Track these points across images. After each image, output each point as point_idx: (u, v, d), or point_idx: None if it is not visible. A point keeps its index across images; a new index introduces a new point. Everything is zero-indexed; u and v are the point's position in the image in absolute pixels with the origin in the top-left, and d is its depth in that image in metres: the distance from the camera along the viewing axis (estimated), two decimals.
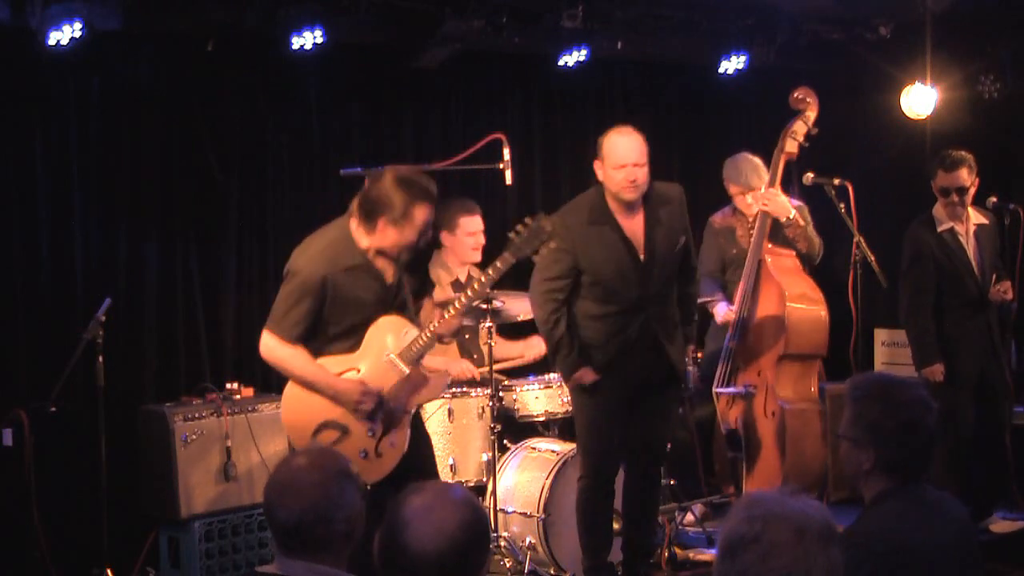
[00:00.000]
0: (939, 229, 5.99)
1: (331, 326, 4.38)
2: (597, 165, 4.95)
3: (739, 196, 6.13)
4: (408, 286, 4.55)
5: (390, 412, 4.35)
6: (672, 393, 5.23)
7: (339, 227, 4.42)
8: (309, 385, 4.38)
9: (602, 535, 5.11)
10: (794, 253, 5.93)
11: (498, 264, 4.40)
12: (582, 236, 4.89)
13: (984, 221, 6.06)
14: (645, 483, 5.14)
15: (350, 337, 4.41)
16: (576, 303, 4.97)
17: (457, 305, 4.42)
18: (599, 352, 4.95)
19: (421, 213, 4.28)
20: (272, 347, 4.40)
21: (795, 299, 5.74)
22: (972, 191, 5.93)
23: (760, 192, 5.91)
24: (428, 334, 4.39)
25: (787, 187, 6.16)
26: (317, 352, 4.42)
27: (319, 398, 4.36)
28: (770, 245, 5.89)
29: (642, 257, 4.92)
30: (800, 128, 5.83)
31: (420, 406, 4.71)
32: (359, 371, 4.39)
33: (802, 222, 5.90)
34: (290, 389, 4.44)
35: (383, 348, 4.39)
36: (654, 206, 4.97)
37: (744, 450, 5.82)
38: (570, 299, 4.96)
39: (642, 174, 4.88)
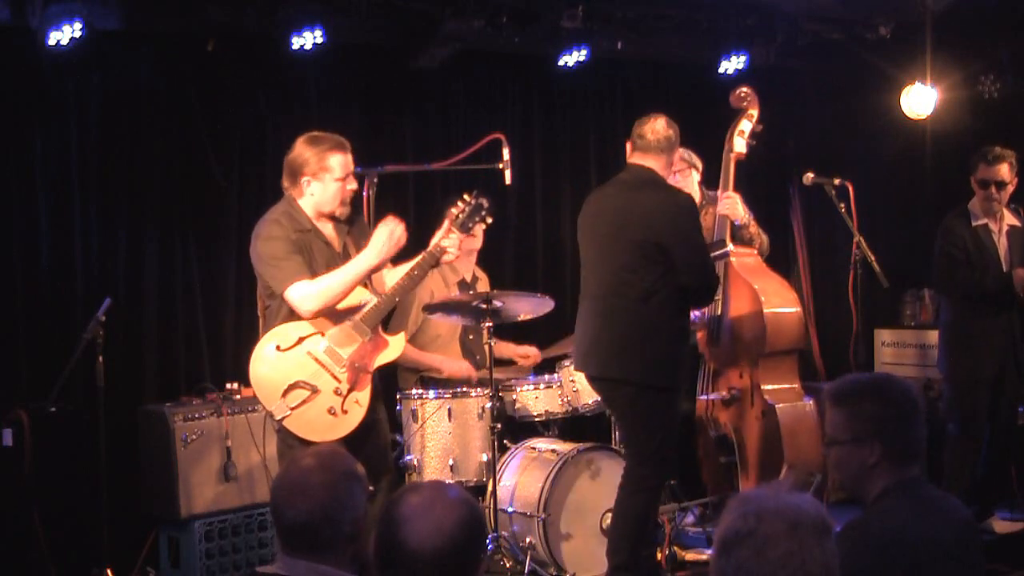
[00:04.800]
0: (974, 224, 6.00)
1: None
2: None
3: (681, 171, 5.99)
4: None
5: (355, 372, 4.51)
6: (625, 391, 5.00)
7: (283, 201, 4.60)
8: (360, 278, 4.44)
9: (651, 531, 5.05)
10: (754, 251, 5.94)
11: (440, 234, 4.60)
12: None
13: (1016, 223, 6.07)
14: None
15: None
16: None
17: (416, 269, 4.57)
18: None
19: (335, 160, 4.53)
20: (305, 291, 4.40)
21: (771, 299, 5.73)
22: (1011, 188, 5.95)
23: (721, 195, 5.86)
24: (384, 297, 4.55)
25: (740, 187, 6.05)
26: (285, 318, 4.49)
27: (290, 359, 4.45)
28: (732, 246, 5.90)
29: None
30: (745, 127, 5.79)
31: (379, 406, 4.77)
32: (324, 335, 4.51)
33: (753, 226, 5.91)
34: (260, 350, 4.48)
35: (344, 314, 4.52)
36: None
37: (737, 453, 5.81)
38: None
39: None
